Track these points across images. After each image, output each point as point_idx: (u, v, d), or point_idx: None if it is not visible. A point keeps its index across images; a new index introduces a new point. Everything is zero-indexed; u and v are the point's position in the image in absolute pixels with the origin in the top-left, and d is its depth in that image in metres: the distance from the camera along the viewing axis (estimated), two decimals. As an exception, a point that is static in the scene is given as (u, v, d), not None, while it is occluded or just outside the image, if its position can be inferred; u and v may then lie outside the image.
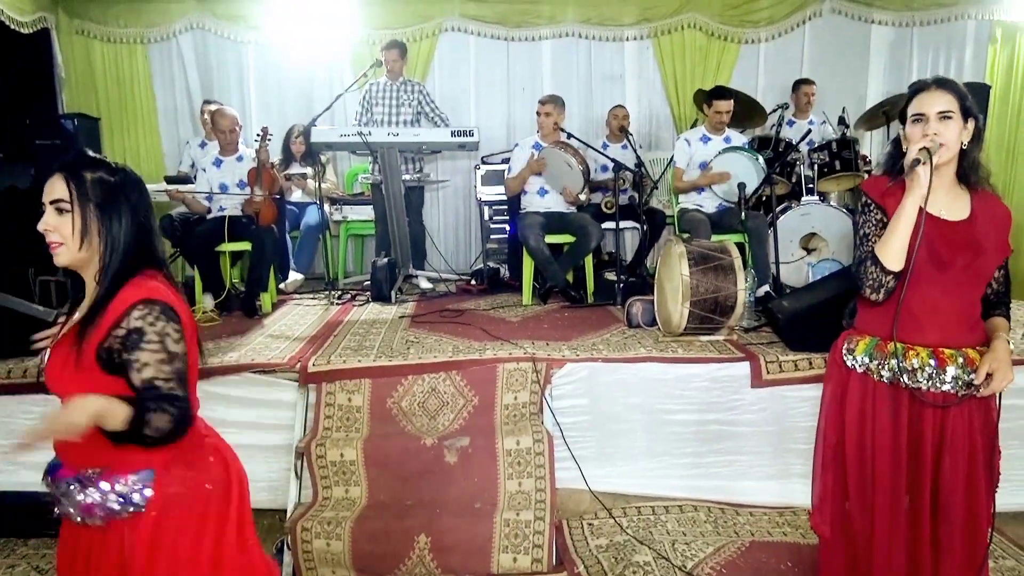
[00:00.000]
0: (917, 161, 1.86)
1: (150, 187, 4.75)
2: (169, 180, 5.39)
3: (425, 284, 5.32)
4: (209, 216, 4.71)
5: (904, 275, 1.94)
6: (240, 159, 4.69)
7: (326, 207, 5.23)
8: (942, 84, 1.98)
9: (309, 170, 5.50)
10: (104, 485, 1.51)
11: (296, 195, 5.60)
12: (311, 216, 5.44)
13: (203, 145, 5.62)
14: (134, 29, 5.88)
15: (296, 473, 3.08)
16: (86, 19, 5.83)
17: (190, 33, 5.97)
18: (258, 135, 4.57)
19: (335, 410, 3.19)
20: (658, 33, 6.02)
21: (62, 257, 1.55)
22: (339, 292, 4.97)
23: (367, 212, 5.57)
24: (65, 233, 1.53)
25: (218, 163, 4.72)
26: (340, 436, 3.13)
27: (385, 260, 4.85)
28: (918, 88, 1.99)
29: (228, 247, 4.57)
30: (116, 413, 1.40)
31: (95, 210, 1.53)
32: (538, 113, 4.84)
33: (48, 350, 1.61)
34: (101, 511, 1.51)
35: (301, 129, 5.56)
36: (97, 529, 1.54)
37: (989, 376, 1.93)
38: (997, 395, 2.02)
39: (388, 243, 5.08)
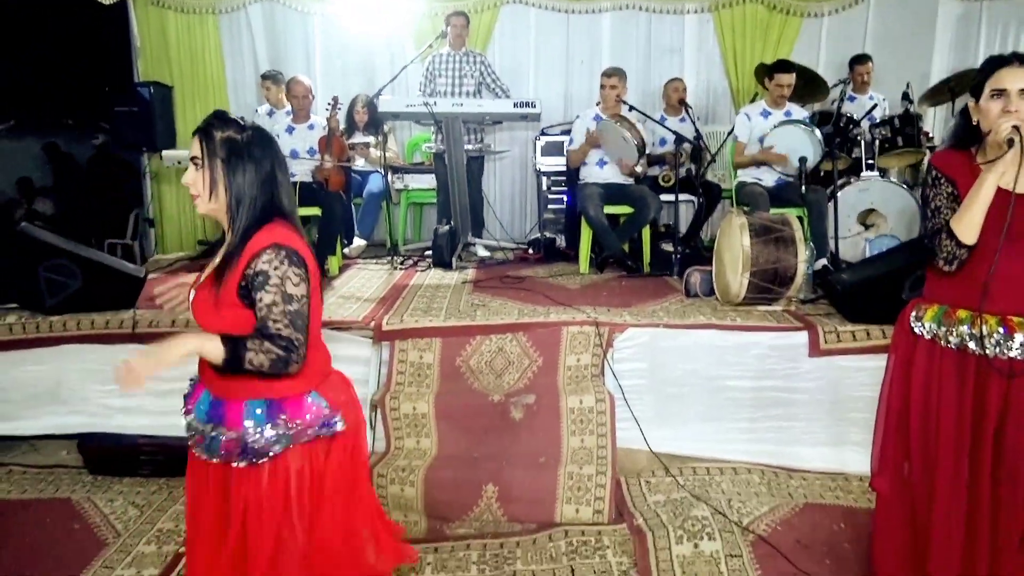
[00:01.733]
0: (1012, 141, 1.91)
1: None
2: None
3: (483, 252, 5.47)
4: (280, 182, 4.91)
5: (984, 249, 2.00)
6: (312, 127, 4.87)
7: (388, 175, 5.40)
8: None
9: (372, 139, 5.67)
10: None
11: (359, 163, 5.77)
12: (374, 184, 5.62)
13: (271, 114, 5.81)
14: (206, 1, 6.07)
15: (371, 424, 3.27)
16: (161, -10, 6.04)
17: (259, 4, 6.14)
18: (329, 104, 4.74)
19: (407, 366, 3.37)
20: (719, 7, 6.00)
21: (200, 207, 1.73)
22: (401, 258, 5.14)
23: (427, 180, 5.72)
24: (199, 186, 1.71)
25: (290, 130, 4.91)
26: (412, 391, 3.31)
27: (447, 227, 5.01)
28: (999, 63, 2.02)
29: (299, 212, 4.75)
30: (210, 351, 1.62)
31: (222, 165, 1.69)
32: (603, 85, 4.91)
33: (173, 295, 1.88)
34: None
35: (365, 99, 5.71)
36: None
37: None
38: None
39: (449, 211, 5.23)
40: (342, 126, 5.52)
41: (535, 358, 3.39)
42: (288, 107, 5.70)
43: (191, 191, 1.73)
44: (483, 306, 3.78)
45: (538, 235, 5.67)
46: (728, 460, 3.39)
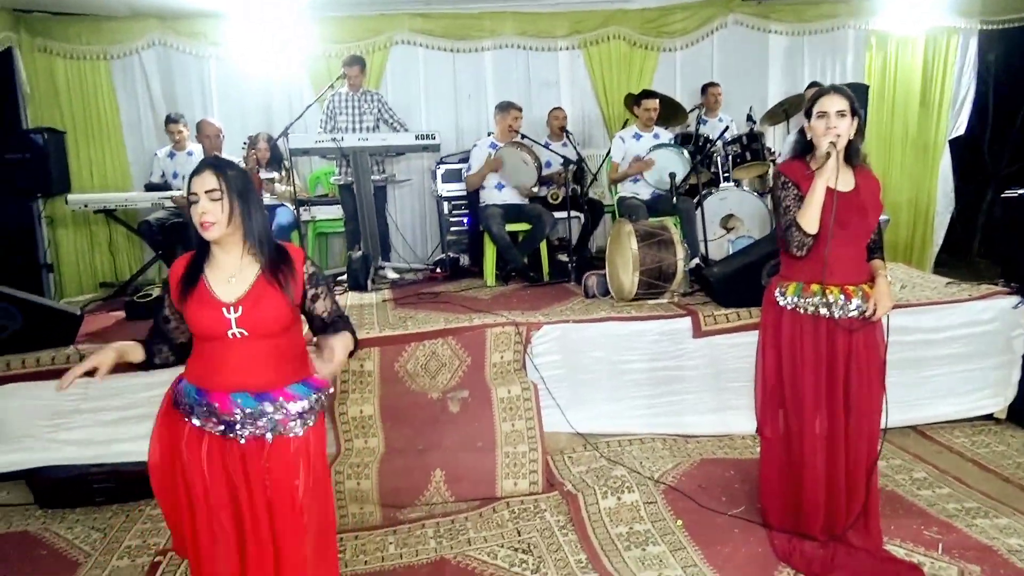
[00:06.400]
0: (829, 153, 2.57)
1: (123, 195, 5.43)
2: (148, 188, 5.74)
3: (393, 274, 5.84)
4: (198, 219, 5.12)
5: (823, 235, 2.65)
6: (225, 165, 5.11)
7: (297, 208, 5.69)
8: (838, 89, 2.69)
9: (275, 175, 5.94)
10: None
11: (264, 199, 6.02)
12: (282, 217, 5.88)
13: (172, 156, 5.97)
14: (97, 46, 6.15)
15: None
16: (48, 38, 6.06)
17: (152, 49, 6.27)
18: (245, 143, 5.01)
19: (350, 375, 3.73)
20: (587, 44, 6.74)
21: (213, 233, 1.99)
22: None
23: (333, 211, 6.05)
24: (218, 215, 1.98)
25: (203, 170, 5.13)
26: (357, 396, 3.68)
27: (360, 253, 5.37)
28: (820, 92, 2.70)
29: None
30: (349, 343, 2.05)
31: (238, 197, 2.01)
32: (503, 117, 5.47)
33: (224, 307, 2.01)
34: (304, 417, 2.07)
35: (266, 137, 5.99)
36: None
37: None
38: (885, 319, 2.76)
39: (359, 238, 5.60)
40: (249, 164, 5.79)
41: (464, 358, 3.84)
42: (188, 148, 5.91)
43: (205, 219, 1.98)
44: (411, 318, 4.19)
45: (442, 255, 6.12)
46: (635, 432, 3.97)
